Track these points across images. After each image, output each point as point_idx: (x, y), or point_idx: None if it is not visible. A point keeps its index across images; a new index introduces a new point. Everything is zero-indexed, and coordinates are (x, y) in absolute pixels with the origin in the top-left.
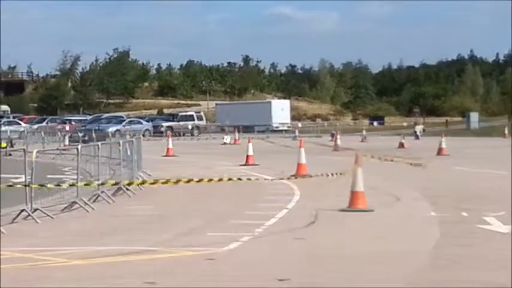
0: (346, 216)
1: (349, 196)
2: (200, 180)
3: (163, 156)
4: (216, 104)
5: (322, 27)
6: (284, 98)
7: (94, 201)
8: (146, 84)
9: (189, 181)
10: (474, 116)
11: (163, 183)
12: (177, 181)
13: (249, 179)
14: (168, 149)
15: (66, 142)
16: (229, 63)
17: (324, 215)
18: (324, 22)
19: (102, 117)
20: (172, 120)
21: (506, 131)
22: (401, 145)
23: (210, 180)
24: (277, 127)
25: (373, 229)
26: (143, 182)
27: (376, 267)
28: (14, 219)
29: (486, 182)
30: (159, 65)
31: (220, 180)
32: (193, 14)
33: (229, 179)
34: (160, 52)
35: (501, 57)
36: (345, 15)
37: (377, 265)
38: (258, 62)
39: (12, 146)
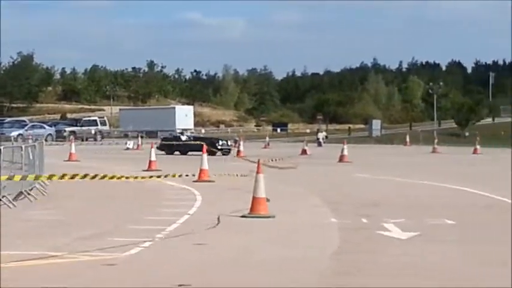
0: (248, 222)
1: (251, 202)
2: (94, 177)
3: (65, 161)
4: (120, 109)
5: (229, 33)
6: (188, 103)
7: None
8: (50, 88)
9: (84, 176)
10: (376, 124)
11: (60, 178)
12: (73, 176)
13: (151, 177)
14: (70, 153)
15: None
16: (133, 68)
17: (226, 221)
18: (231, 29)
19: (5, 121)
20: (76, 125)
21: (408, 139)
22: (304, 152)
23: (104, 176)
24: (181, 133)
25: (274, 235)
26: (37, 177)
27: (277, 273)
28: None
29: (387, 188)
30: (63, 69)
31: (113, 178)
32: (98, 18)
33: (126, 178)
34: (64, 56)
35: (404, 66)
36: (251, 22)
37: (278, 271)
38: (162, 67)
39: None
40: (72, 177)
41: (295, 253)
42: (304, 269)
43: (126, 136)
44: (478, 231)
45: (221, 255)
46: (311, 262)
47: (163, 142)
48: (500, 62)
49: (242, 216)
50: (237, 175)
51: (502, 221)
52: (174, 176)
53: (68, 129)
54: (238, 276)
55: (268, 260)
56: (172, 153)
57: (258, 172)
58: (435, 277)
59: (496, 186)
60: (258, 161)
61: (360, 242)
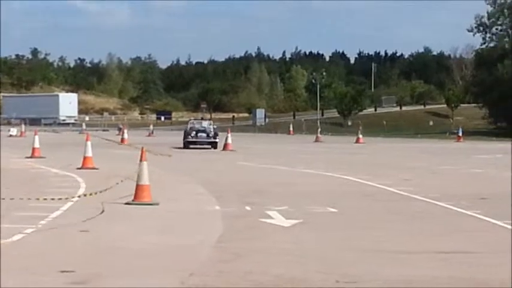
0: (132, 209)
1: (135, 189)
2: None
3: None
4: (3, 97)
5: (113, 20)
6: (72, 91)
7: None
8: None
9: None
10: (260, 113)
11: None
12: None
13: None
14: None
15: None
16: (17, 55)
17: (109, 208)
18: (115, 15)
19: None
20: None
21: (291, 128)
22: None
23: None
24: (64, 120)
25: (158, 222)
26: None
27: (160, 260)
28: None
29: (271, 177)
30: None
31: None
32: None
33: None
34: None
35: (287, 55)
36: (136, 9)
37: (161, 258)
38: (46, 54)
39: None
40: None
41: (178, 241)
42: (186, 256)
43: (9, 123)
44: (358, 218)
45: (105, 242)
46: (193, 250)
47: None
48: (382, 53)
49: (126, 204)
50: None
51: (382, 208)
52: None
53: None
54: (123, 262)
55: (151, 247)
56: None
57: (141, 160)
58: (310, 263)
59: (378, 175)
60: (142, 149)
61: (243, 229)
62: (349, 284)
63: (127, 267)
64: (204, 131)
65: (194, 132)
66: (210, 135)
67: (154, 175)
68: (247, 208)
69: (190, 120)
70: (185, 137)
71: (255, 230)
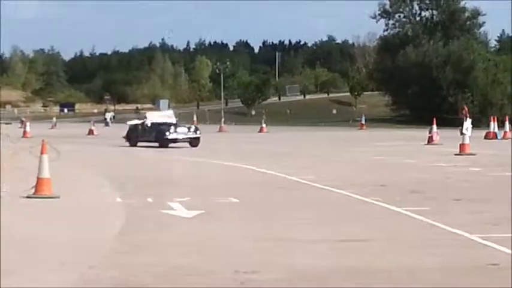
0: (32, 202)
1: (35, 183)
2: None
3: None
4: None
5: (16, 12)
6: None
7: None
8: None
9: None
10: (164, 103)
11: None
12: None
13: None
14: None
15: None
16: None
17: (10, 202)
18: (18, 7)
19: None
20: None
21: (195, 118)
22: (91, 132)
23: None
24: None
25: (58, 216)
26: None
27: (60, 254)
28: None
29: (174, 167)
30: None
31: None
32: None
33: None
34: None
35: (192, 46)
36: (39, 1)
37: (61, 251)
38: None
39: None
40: None
41: (79, 234)
42: (86, 249)
43: None
44: (260, 208)
45: (3, 236)
46: (94, 242)
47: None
48: (287, 42)
49: (27, 197)
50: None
51: (284, 197)
52: None
53: None
54: (19, 258)
55: (51, 240)
56: None
57: (42, 153)
58: (210, 254)
59: (280, 164)
60: (43, 142)
61: (144, 221)
62: (248, 273)
63: (25, 261)
64: (178, 125)
65: (173, 128)
66: (191, 129)
67: (56, 168)
68: (149, 200)
69: (141, 113)
70: (160, 135)
71: (156, 221)
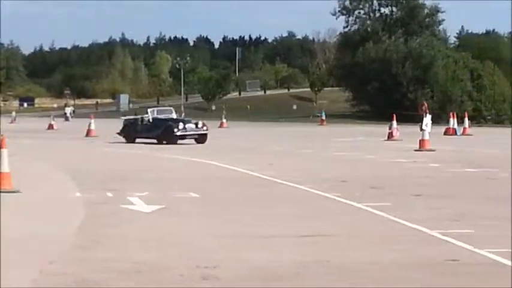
0: None
1: None
2: None
3: None
4: None
5: None
6: None
7: None
8: None
9: None
10: (124, 98)
11: None
12: None
13: None
14: None
15: None
16: None
17: None
18: None
19: None
20: None
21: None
22: (51, 126)
23: None
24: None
25: (18, 210)
26: None
27: (20, 249)
28: None
29: (135, 162)
30: None
31: None
32: None
33: None
34: None
35: (152, 41)
36: None
37: (21, 247)
38: None
39: None
40: None
41: (38, 229)
42: (46, 244)
43: None
44: (220, 203)
45: None
46: (54, 238)
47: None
48: (247, 38)
49: None
50: None
51: (245, 193)
52: None
53: None
54: None
55: (10, 236)
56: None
57: (1, 147)
58: (170, 249)
59: (241, 159)
60: (2, 136)
61: (103, 216)
62: (209, 269)
63: None
64: (189, 122)
65: (181, 124)
66: (199, 125)
67: (16, 162)
68: (109, 194)
69: (148, 109)
70: (167, 131)
71: (115, 216)
